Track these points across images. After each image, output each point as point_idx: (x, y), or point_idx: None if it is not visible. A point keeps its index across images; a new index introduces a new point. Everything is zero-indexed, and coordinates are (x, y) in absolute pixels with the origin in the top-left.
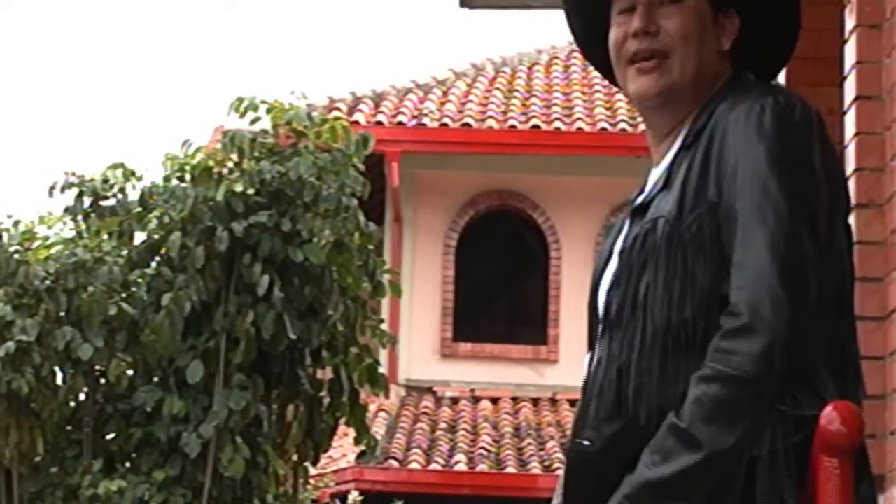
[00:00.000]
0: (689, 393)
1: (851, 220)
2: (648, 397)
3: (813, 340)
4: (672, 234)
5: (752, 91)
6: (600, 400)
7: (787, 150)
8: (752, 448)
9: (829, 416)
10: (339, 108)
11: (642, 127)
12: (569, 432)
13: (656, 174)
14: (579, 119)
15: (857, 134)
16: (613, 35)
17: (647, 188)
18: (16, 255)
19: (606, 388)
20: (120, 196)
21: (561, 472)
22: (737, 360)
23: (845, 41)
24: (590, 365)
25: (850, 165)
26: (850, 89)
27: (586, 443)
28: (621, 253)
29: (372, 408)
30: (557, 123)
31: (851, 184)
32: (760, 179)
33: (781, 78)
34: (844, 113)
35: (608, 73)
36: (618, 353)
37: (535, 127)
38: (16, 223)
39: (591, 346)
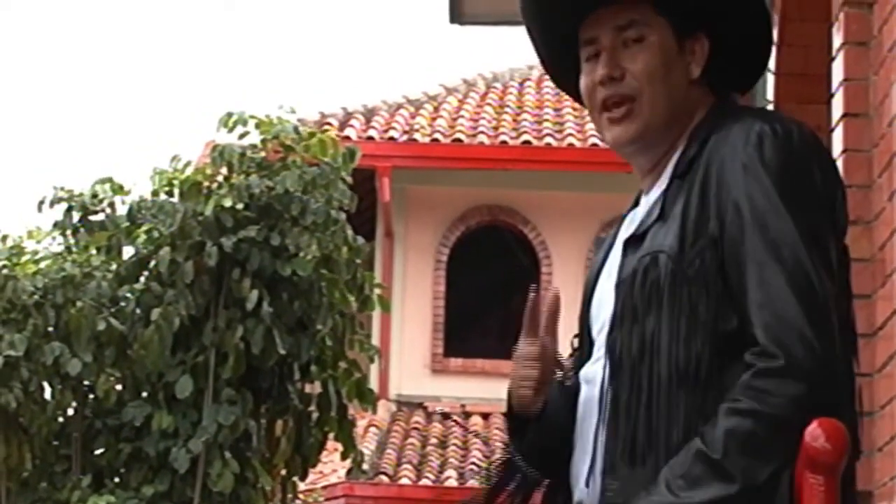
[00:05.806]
0: (719, 423)
1: None
2: (658, 441)
3: (843, 381)
4: (676, 272)
5: (744, 118)
6: (613, 445)
7: (792, 181)
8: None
9: (814, 432)
10: (329, 124)
11: None
12: None
13: (648, 203)
14: (570, 135)
15: (844, 151)
16: (583, 83)
17: (640, 216)
18: (4, 270)
19: (621, 433)
20: (108, 211)
21: None
22: (774, 400)
23: (833, 58)
24: (584, 381)
25: None
26: (837, 106)
27: (609, 493)
28: (618, 286)
29: (363, 423)
30: (548, 139)
31: None
32: (769, 214)
33: (769, 94)
34: (832, 130)
35: None
36: (627, 397)
37: (526, 142)
38: (4, 238)
39: (581, 358)
